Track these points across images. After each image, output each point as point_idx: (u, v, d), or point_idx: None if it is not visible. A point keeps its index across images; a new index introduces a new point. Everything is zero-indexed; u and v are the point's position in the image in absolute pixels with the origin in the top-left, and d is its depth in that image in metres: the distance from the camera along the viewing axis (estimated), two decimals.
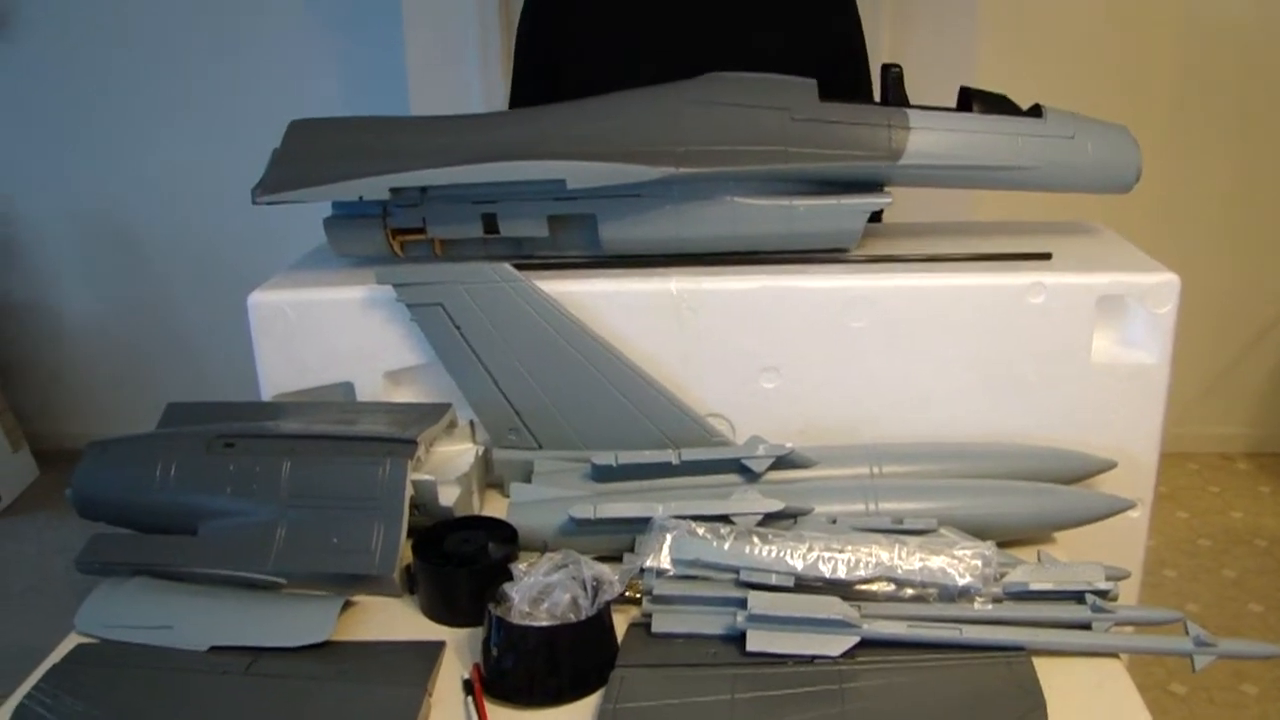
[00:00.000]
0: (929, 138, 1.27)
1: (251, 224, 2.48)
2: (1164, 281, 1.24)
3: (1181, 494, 3.09)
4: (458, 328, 1.23)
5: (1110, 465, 1.24)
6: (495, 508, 1.28)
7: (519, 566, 1.01)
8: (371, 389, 1.31)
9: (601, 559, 1.13)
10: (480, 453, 1.29)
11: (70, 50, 3.18)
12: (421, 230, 1.31)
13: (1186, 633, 0.98)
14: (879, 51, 2.42)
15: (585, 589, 0.99)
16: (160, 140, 3.25)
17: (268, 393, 1.32)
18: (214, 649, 1.01)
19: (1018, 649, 0.98)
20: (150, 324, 3.49)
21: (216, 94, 3.19)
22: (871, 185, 1.30)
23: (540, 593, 0.98)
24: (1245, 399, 3.28)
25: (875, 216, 1.35)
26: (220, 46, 3.15)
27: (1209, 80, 2.97)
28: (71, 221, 3.38)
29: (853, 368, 1.28)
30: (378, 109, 2.99)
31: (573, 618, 0.97)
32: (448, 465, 1.25)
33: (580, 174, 1.21)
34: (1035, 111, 1.31)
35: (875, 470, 1.20)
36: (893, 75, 1.31)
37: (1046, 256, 1.29)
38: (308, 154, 1.28)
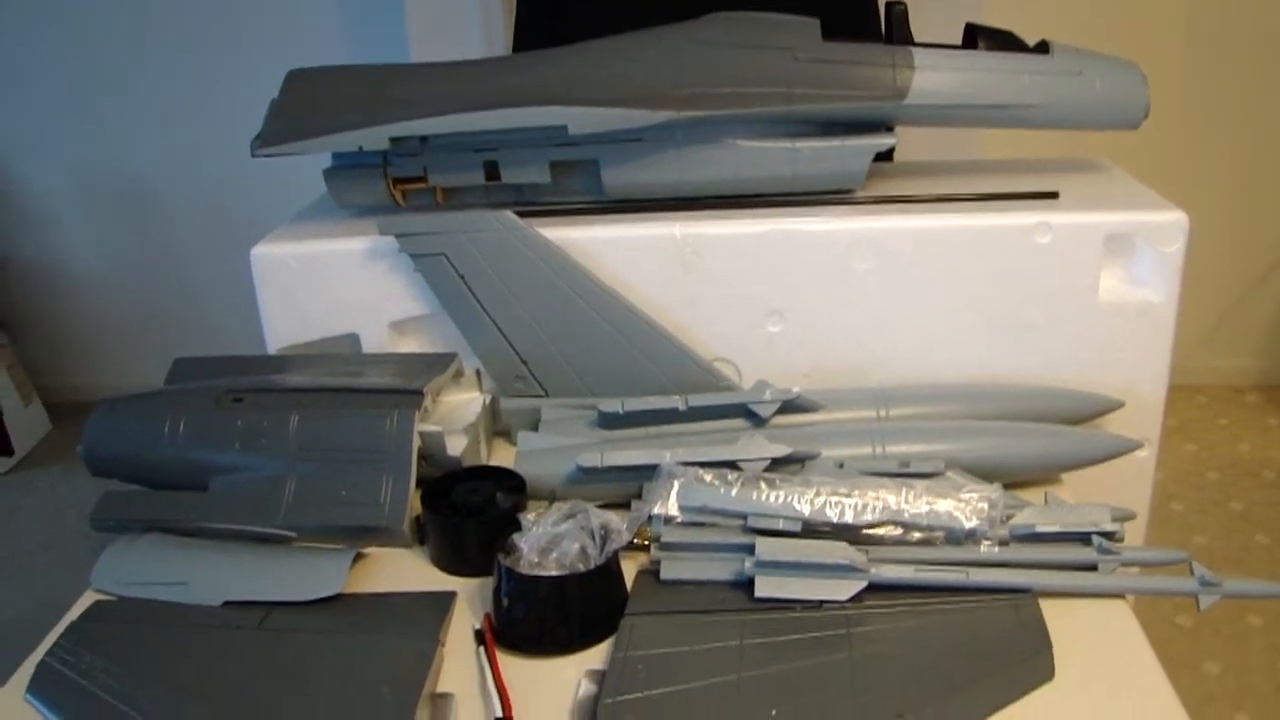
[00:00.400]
0: (934, 77, 1.25)
1: (257, 174, 2.46)
2: (1172, 220, 1.23)
3: (1190, 426, 3.09)
4: (461, 277, 1.23)
5: (1118, 405, 1.24)
6: (503, 456, 1.28)
7: (527, 516, 1.02)
8: (377, 340, 1.31)
9: (609, 506, 1.14)
10: (487, 401, 1.29)
11: (72, 3, 3.14)
12: (423, 179, 1.31)
13: (1192, 573, 0.99)
14: None
15: (594, 538, 1.00)
16: (164, 93, 3.24)
17: (273, 345, 1.32)
18: (228, 604, 1.02)
19: (1024, 591, 0.98)
20: (159, 275, 3.50)
21: (219, 47, 3.17)
22: (876, 125, 1.29)
23: (549, 543, 0.99)
24: (1256, 331, 3.27)
25: (886, 155, 1.33)
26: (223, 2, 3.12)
27: (1225, 11, 2.92)
28: (78, 176, 3.38)
29: (858, 310, 1.27)
30: (381, 55, 2.98)
31: (581, 567, 0.97)
32: (455, 415, 1.25)
33: (582, 119, 1.20)
34: (1042, 48, 1.29)
35: (882, 413, 1.20)
36: (897, 12, 1.29)
37: (1053, 195, 1.28)
38: (306, 104, 1.27)
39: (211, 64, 3.18)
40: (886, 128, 1.29)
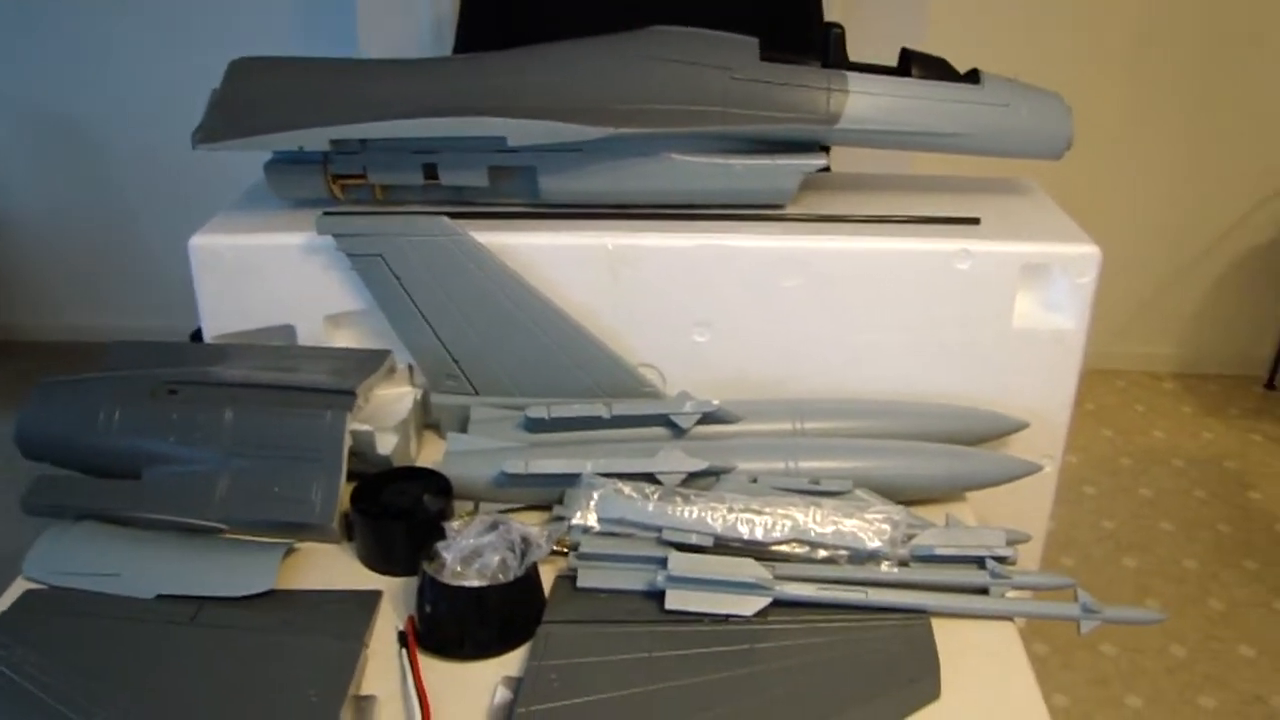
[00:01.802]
0: (867, 102, 1.29)
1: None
2: (1086, 253, 1.29)
3: (1107, 412, 3.20)
4: (397, 278, 1.26)
5: (1023, 425, 1.30)
6: (433, 449, 1.32)
7: (452, 525, 1.06)
8: (313, 332, 1.33)
9: (532, 508, 1.20)
10: (418, 396, 1.32)
11: None
12: (362, 176, 1.33)
13: (1076, 599, 1.06)
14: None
15: (514, 550, 1.04)
16: (106, 33, 3.18)
17: (210, 333, 1.34)
18: (161, 597, 1.06)
19: (919, 612, 1.05)
20: (95, 217, 3.46)
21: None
22: (810, 145, 1.33)
23: (471, 553, 1.03)
24: (1177, 320, 3.38)
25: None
26: None
27: (1166, 13, 2.98)
28: (18, 115, 3.31)
29: (783, 325, 1.32)
30: (327, 24, 2.97)
31: (501, 578, 1.02)
32: (386, 410, 1.29)
33: (520, 132, 1.22)
34: (972, 77, 1.33)
35: (797, 426, 1.25)
36: (834, 35, 1.32)
37: (975, 221, 1.33)
38: (248, 99, 1.28)
39: (161, 9, 3.13)
40: (820, 147, 1.33)
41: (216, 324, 1.33)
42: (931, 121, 1.31)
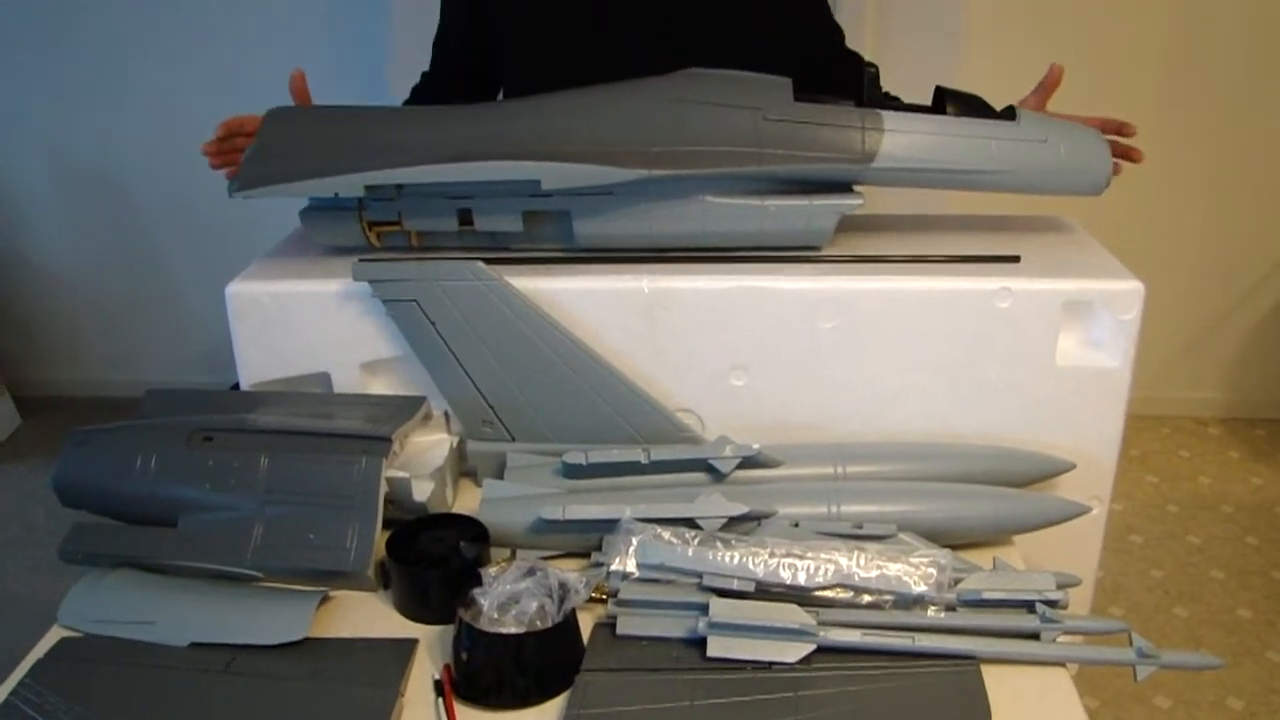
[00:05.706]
0: (903, 140, 1.28)
1: None
2: (1129, 289, 1.26)
3: (1152, 458, 3.14)
4: (433, 324, 1.25)
5: (1069, 467, 1.27)
6: (469, 497, 1.31)
7: (489, 571, 1.04)
8: (348, 379, 1.33)
9: (570, 555, 1.18)
10: (454, 444, 1.31)
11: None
12: (398, 223, 1.33)
13: (1130, 643, 1.02)
14: (863, 39, 2.42)
15: (552, 596, 1.02)
16: (146, 90, 3.23)
17: (246, 381, 1.34)
18: (195, 645, 1.04)
19: (968, 658, 1.02)
20: (132, 272, 3.50)
21: (202, 44, 3.16)
22: (845, 185, 1.32)
23: (508, 599, 1.01)
24: (1220, 363, 3.32)
25: None
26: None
27: (1200, 47, 2.96)
28: (55, 169, 3.37)
29: (821, 367, 1.30)
30: (358, 71, 3.00)
31: (539, 625, 1.00)
32: (422, 457, 1.28)
33: (555, 175, 1.22)
34: (1009, 114, 1.32)
35: (839, 470, 1.23)
36: (869, 75, 1.32)
37: (1015, 259, 1.31)
38: (284, 147, 1.28)
39: (195, 61, 3.18)
40: (854, 186, 1.32)
41: (252, 371, 1.33)
42: (968, 159, 1.29)
